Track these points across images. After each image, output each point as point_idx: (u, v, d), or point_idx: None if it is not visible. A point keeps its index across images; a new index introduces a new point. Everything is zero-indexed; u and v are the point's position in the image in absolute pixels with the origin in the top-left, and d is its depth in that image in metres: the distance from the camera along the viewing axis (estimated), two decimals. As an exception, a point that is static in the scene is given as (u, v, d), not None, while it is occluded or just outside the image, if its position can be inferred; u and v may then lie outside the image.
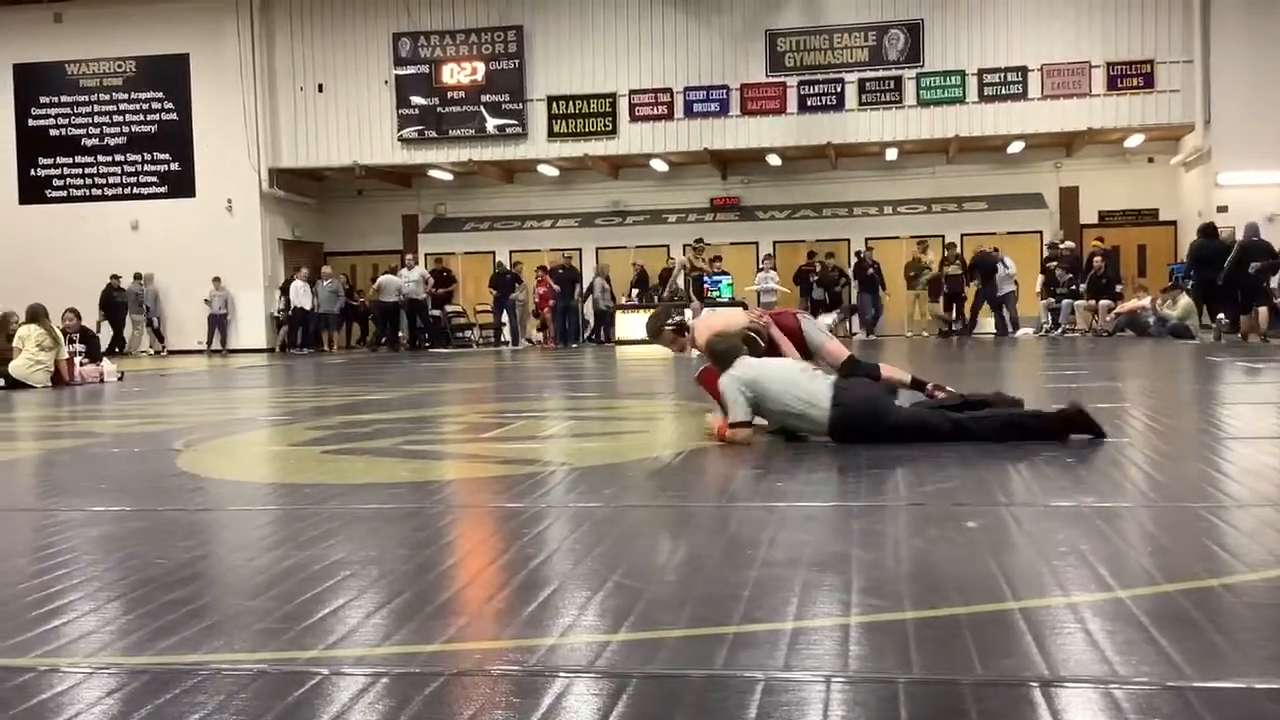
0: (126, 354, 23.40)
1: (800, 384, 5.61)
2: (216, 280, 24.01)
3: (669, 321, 7.27)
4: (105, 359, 14.07)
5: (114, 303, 23.84)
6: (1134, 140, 22.71)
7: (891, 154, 23.82)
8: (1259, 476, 4.38)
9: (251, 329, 24.53)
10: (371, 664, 2.28)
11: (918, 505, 3.91)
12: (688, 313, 7.67)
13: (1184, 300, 18.25)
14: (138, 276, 24.00)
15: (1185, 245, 21.74)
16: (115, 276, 23.80)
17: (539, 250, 24.88)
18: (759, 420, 5.72)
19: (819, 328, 7.29)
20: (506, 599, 2.81)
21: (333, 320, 23.99)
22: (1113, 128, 22.02)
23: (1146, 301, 19.38)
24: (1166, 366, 12.00)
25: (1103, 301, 20.37)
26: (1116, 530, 3.40)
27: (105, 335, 23.10)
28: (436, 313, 23.51)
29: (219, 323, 24.18)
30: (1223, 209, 20.11)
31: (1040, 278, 21.62)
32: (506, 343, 23.35)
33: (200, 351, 23.94)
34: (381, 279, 23.64)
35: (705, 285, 22.61)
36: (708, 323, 7.27)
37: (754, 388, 5.62)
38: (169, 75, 24.60)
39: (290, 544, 3.55)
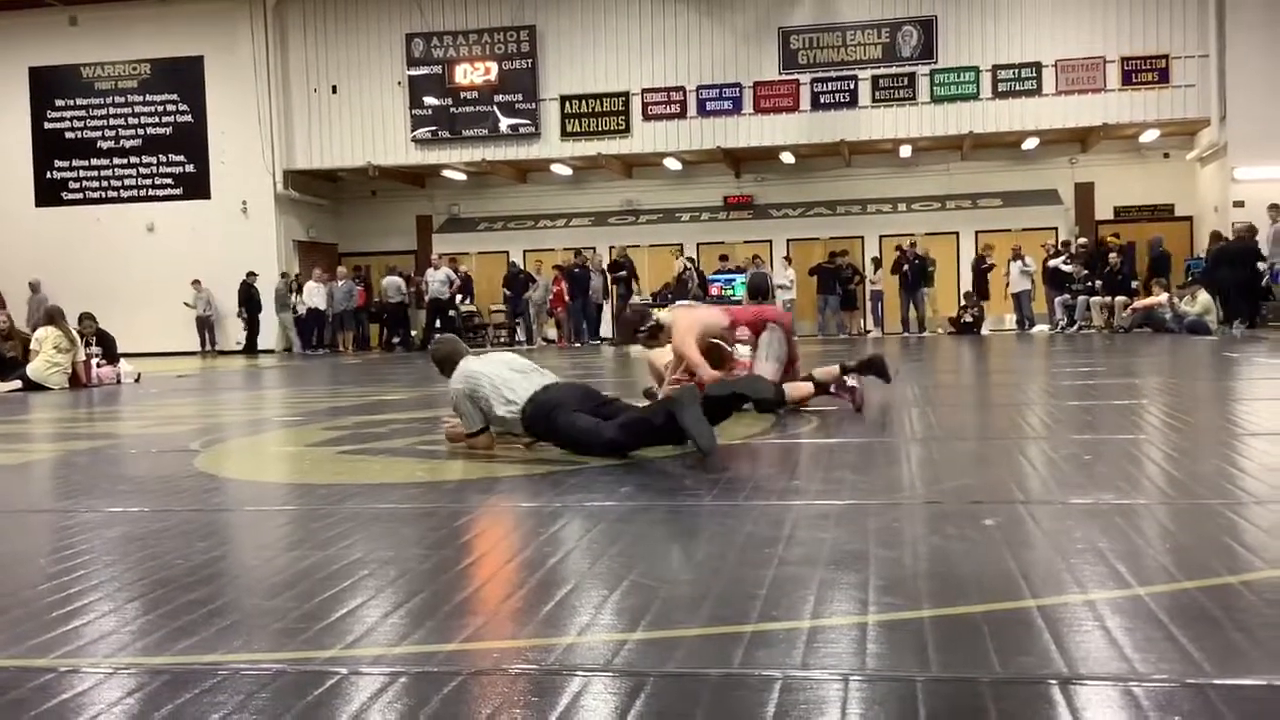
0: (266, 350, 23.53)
1: (510, 382, 5.48)
2: (196, 283, 24.09)
3: (641, 329, 7.08)
4: (122, 360, 14.13)
5: (253, 299, 23.89)
6: (1149, 135, 22.62)
7: (905, 151, 23.77)
8: (1278, 472, 4.35)
9: (266, 330, 24.62)
10: (390, 663, 2.29)
11: (935, 503, 3.90)
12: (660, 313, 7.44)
13: (1203, 296, 18.17)
14: (254, 274, 24.09)
15: (1202, 241, 21.74)
16: (251, 274, 23.89)
17: (553, 250, 24.93)
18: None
19: (773, 349, 7.04)
20: (523, 598, 2.81)
21: (348, 321, 24.06)
22: (1128, 123, 21.94)
23: (1164, 298, 19.29)
24: (1184, 362, 11.94)
25: (1119, 298, 20.29)
26: (1134, 527, 3.38)
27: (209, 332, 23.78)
28: (451, 313, 23.56)
29: (205, 325, 24.28)
30: (1239, 204, 20.04)
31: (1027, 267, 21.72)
32: (521, 342, 23.37)
33: (236, 352, 23.98)
34: (384, 280, 23.83)
35: (718, 284, 22.59)
36: (689, 320, 7.01)
37: (474, 394, 5.53)
38: (184, 77, 24.72)
39: (308, 544, 3.56)
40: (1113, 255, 20.65)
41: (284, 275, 23.94)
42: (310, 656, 2.34)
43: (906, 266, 21.88)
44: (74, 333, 13.10)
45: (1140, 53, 21.60)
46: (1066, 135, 22.98)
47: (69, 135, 25.28)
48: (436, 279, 22.98)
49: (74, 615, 2.74)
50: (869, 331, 23.29)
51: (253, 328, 23.98)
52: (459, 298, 23.52)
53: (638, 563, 3.14)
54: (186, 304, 24.18)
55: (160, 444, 6.97)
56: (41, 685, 2.23)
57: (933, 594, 2.67)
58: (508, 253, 25.22)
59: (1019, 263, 21.64)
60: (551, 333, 24.33)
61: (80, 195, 25.29)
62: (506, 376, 5.53)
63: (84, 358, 13.14)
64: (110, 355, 13.94)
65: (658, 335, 7.08)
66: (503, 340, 24.07)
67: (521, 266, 24.06)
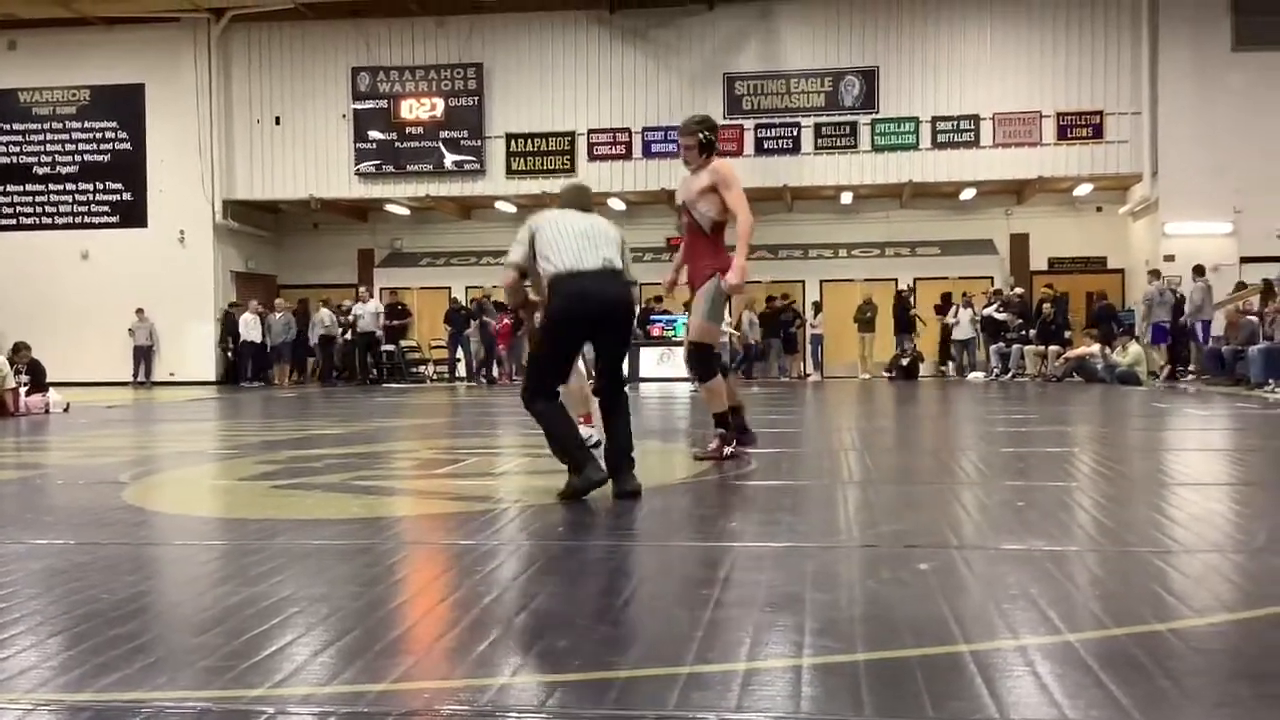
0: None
1: (562, 248, 5.49)
2: (140, 312, 23.72)
3: (708, 129, 6.88)
4: (51, 389, 13.84)
5: (237, 331, 23.51)
6: (1083, 189, 23.10)
7: (846, 198, 24.07)
8: (1205, 522, 4.43)
9: (201, 361, 24.24)
10: (318, 703, 2.24)
11: (870, 546, 3.92)
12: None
13: (1134, 347, 18.55)
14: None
15: (1133, 294, 22.21)
16: (233, 304, 23.58)
17: (496, 286, 24.85)
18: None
19: None
20: (457, 638, 2.78)
21: (285, 353, 23.75)
22: (1063, 176, 22.39)
23: (1096, 348, 19.64)
24: (1115, 412, 12.15)
25: (1052, 347, 20.64)
26: (1065, 574, 3.43)
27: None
28: (390, 347, 23.33)
29: (144, 354, 23.90)
30: (1169, 258, 20.50)
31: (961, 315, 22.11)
32: (462, 378, 23.21)
33: (179, 383, 23.50)
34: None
35: (660, 324, 22.65)
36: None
37: (534, 237, 5.61)
38: (124, 105, 24.41)
39: (237, 580, 3.50)
40: (1046, 305, 21.02)
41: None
42: (237, 695, 2.29)
43: (913, 311, 22.29)
44: (3, 360, 12.81)
45: (1075, 108, 22.09)
46: (1003, 186, 23.42)
47: (4, 160, 24.85)
48: (366, 312, 22.67)
49: (-8, 650, 2.67)
50: (809, 375, 23.46)
51: (240, 358, 23.63)
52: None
53: (573, 603, 3.12)
54: (131, 331, 23.79)
55: (88, 475, 6.83)
56: (-45, 722, 2.16)
57: (867, 637, 2.68)
58: (450, 288, 25.12)
59: (969, 310, 21.99)
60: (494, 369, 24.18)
61: (14, 221, 24.84)
62: (563, 243, 5.49)
63: (12, 386, 12.85)
64: (39, 384, 13.65)
65: (704, 155, 6.95)
66: (444, 376, 23.91)
67: (463, 302, 23.92)
